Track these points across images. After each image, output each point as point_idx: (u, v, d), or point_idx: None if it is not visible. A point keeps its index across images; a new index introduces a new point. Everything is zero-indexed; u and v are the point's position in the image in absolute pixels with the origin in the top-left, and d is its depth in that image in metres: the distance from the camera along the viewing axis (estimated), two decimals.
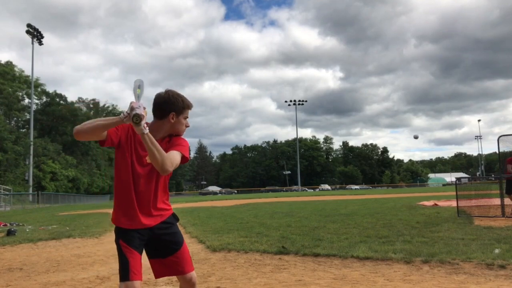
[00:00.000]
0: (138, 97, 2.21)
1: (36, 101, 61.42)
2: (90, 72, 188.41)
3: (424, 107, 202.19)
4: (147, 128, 2.14)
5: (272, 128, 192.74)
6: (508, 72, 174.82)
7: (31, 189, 45.09)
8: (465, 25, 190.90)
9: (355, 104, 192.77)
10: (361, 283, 4.16)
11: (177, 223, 2.62)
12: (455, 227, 7.76)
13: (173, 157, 2.27)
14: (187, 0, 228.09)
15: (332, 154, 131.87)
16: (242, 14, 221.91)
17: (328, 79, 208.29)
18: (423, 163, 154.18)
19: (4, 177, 41.75)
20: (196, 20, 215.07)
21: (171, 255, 2.49)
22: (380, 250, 5.53)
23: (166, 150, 2.30)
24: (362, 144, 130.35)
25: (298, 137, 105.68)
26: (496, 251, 5.12)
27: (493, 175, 15.38)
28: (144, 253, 2.48)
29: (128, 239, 2.37)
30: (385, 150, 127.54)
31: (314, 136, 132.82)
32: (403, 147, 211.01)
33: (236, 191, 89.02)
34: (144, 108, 2.14)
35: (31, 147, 48.08)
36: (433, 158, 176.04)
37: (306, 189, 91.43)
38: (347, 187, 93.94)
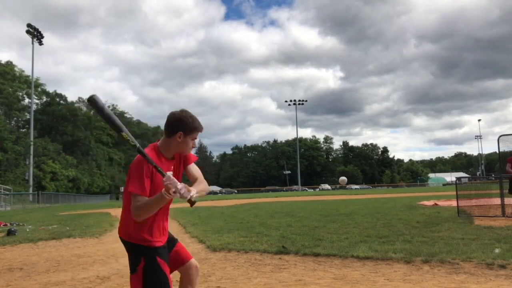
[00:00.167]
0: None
1: (36, 101, 61.53)
2: (90, 72, 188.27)
3: (424, 107, 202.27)
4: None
5: (272, 128, 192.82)
6: (508, 71, 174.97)
7: (31, 189, 45.11)
8: (465, 24, 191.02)
9: (355, 104, 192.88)
10: (361, 283, 4.16)
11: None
12: (455, 227, 7.76)
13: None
14: (187, 0, 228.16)
15: (332, 154, 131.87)
16: (242, 14, 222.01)
17: (328, 79, 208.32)
18: (423, 163, 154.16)
19: (5, 177, 41.77)
20: (196, 20, 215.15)
21: (174, 247, 2.60)
22: (380, 250, 5.53)
23: (179, 167, 2.52)
24: (362, 144, 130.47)
25: (298, 137, 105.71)
26: (496, 250, 5.12)
27: (493, 175, 15.39)
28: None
29: (164, 256, 2.42)
30: (385, 150, 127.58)
31: (314, 136, 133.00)
32: (403, 146, 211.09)
33: (236, 191, 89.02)
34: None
35: (31, 147, 48.10)
36: (433, 158, 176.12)
37: (306, 189, 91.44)
38: (347, 187, 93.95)
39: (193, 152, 2.62)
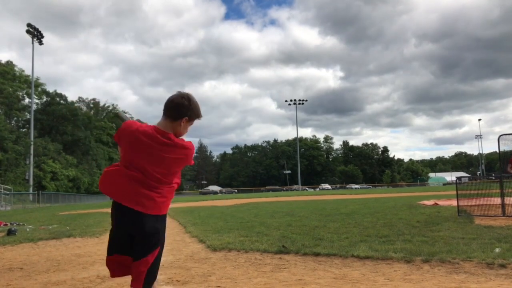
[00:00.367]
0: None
1: (37, 101, 61.58)
2: (90, 71, 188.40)
3: (425, 107, 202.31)
4: None
5: (272, 127, 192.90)
6: (509, 71, 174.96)
7: (31, 188, 45.12)
8: (465, 24, 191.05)
9: (355, 104, 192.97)
10: (361, 283, 4.16)
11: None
12: (456, 226, 7.76)
13: None
14: (188, 0, 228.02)
15: (333, 153, 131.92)
16: (242, 13, 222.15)
17: (328, 78, 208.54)
18: (423, 162, 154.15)
19: (5, 177, 41.78)
20: (196, 19, 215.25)
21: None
22: (381, 249, 5.53)
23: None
24: (363, 144, 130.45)
25: (299, 136, 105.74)
26: (497, 250, 5.12)
27: (493, 174, 15.38)
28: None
29: None
30: (385, 150, 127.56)
31: (315, 136, 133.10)
32: (403, 146, 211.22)
33: (236, 191, 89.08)
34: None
35: (32, 147, 48.12)
36: (434, 157, 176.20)
37: (307, 188, 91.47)
38: (348, 186, 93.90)
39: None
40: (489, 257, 4.70)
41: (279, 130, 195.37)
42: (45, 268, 5.58)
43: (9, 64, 56.86)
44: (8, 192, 34.01)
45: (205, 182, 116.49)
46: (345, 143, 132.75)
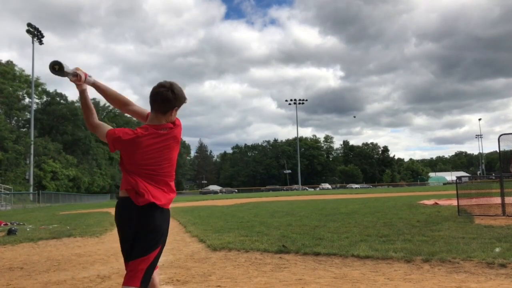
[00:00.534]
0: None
1: (37, 101, 61.54)
2: (91, 71, 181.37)
3: (425, 106, 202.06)
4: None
5: (272, 127, 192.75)
6: (509, 70, 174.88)
7: (31, 188, 45.13)
8: (465, 23, 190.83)
9: (355, 103, 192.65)
10: (361, 282, 4.16)
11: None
12: (456, 226, 7.76)
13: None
14: None
15: (333, 153, 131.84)
16: (242, 13, 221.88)
17: (328, 78, 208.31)
18: (423, 162, 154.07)
19: (5, 176, 41.80)
20: (196, 19, 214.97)
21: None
22: (381, 249, 5.53)
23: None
24: (363, 143, 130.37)
25: (299, 136, 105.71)
26: (497, 250, 5.12)
27: (493, 174, 15.38)
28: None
29: None
30: (385, 149, 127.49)
31: (315, 135, 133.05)
32: (403, 146, 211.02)
33: (236, 190, 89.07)
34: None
35: (32, 147, 48.12)
36: (434, 157, 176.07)
37: (307, 188, 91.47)
38: (348, 186, 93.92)
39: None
40: (489, 257, 4.71)
41: (279, 130, 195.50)
42: (45, 268, 5.59)
43: (9, 63, 56.82)
44: (8, 192, 34.03)
45: (205, 181, 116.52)
46: (345, 143, 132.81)
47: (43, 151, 51.53)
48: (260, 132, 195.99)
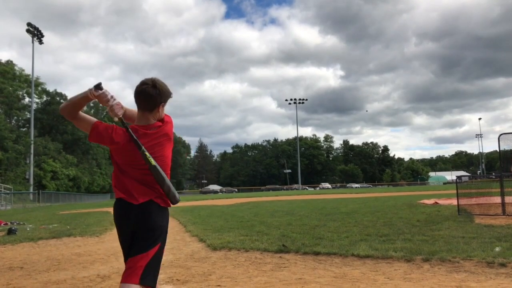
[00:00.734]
0: None
1: (37, 100, 61.51)
2: (91, 70, 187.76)
3: (425, 106, 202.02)
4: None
5: (272, 126, 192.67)
6: (509, 70, 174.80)
7: (31, 188, 45.14)
8: (466, 23, 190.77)
9: (355, 103, 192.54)
10: (361, 282, 4.16)
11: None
12: (456, 226, 7.76)
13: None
14: None
15: (333, 152, 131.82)
16: (242, 12, 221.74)
17: (328, 77, 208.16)
18: (423, 161, 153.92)
19: (5, 176, 41.81)
20: (196, 18, 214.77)
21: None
22: (381, 248, 5.53)
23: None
24: (363, 143, 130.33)
25: (299, 135, 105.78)
26: (497, 249, 5.12)
27: (493, 174, 15.39)
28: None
29: None
30: (385, 149, 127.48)
31: (315, 135, 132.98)
32: (403, 145, 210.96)
33: (236, 190, 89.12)
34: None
35: (32, 146, 48.13)
36: (434, 156, 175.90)
37: (307, 187, 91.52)
38: (348, 185, 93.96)
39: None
40: (489, 256, 4.71)
41: (279, 129, 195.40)
42: (46, 267, 5.59)
43: (9, 63, 56.80)
44: (8, 192, 34.04)
45: (205, 181, 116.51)
46: (345, 142, 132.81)
47: (43, 150, 51.54)
48: (260, 132, 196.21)
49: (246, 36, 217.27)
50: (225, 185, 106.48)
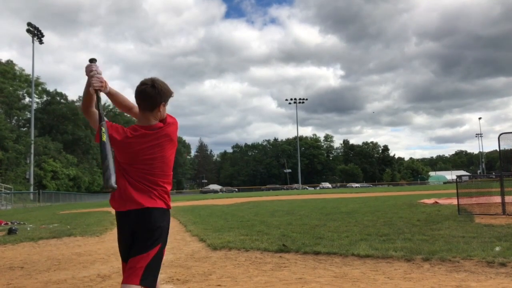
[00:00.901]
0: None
1: (37, 100, 61.54)
2: None
3: (425, 105, 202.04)
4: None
5: (272, 126, 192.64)
6: (510, 69, 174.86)
7: (32, 187, 45.16)
8: (466, 22, 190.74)
9: (355, 102, 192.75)
10: (361, 281, 4.16)
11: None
12: (456, 225, 7.76)
13: None
14: None
15: (333, 152, 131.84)
16: (242, 12, 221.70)
17: (329, 77, 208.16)
18: (423, 161, 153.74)
19: (5, 176, 41.84)
20: (196, 18, 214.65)
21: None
22: (381, 248, 5.53)
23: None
24: (363, 142, 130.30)
25: (299, 135, 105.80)
26: (497, 249, 5.12)
27: (494, 173, 15.38)
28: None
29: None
30: (385, 148, 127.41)
31: (315, 134, 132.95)
32: (404, 145, 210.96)
33: (236, 190, 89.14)
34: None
35: (32, 146, 48.16)
36: (434, 156, 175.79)
37: (307, 187, 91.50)
38: (348, 185, 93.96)
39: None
40: (489, 256, 4.71)
41: (280, 129, 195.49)
42: (46, 267, 5.59)
43: (10, 63, 56.82)
44: (8, 191, 34.04)
45: (206, 181, 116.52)
46: (346, 142, 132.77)
47: (43, 150, 51.56)
48: (260, 131, 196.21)
49: (246, 35, 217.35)
50: (225, 184, 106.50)
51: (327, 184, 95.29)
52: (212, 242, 6.76)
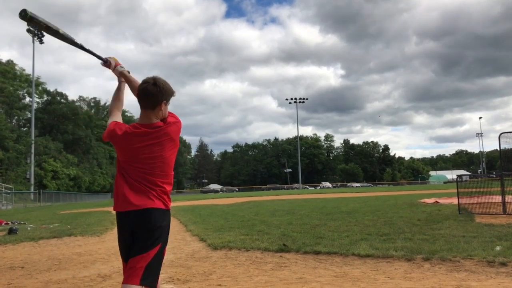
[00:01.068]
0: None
1: (37, 100, 61.50)
2: (91, 70, 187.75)
3: (425, 105, 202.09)
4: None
5: (273, 126, 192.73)
6: (510, 69, 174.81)
7: (32, 187, 45.15)
8: (466, 21, 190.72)
9: (356, 102, 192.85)
10: (362, 281, 4.16)
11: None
12: (456, 225, 7.76)
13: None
14: None
15: (333, 152, 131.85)
16: (243, 11, 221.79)
17: (329, 76, 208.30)
18: (424, 160, 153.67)
19: (6, 176, 41.83)
20: (197, 17, 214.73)
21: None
22: (381, 247, 5.53)
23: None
24: (363, 142, 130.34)
25: (299, 135, 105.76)
26: (497, 248, 5.12)
27: (494, 173, 15.38)
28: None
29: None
30: (386, 148, 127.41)
31: (315, 134, 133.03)
32: (404, 144, 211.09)
33: (237, 189, 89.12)
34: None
35: (32, 146, 48.14)
36: (434, 155, 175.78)
37: (307, 187, 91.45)
38: (348, 185, 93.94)
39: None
40: (490, 255, 4.71)
41: (280, 129, 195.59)
42: (46, 267, 5.60)
43: (10, 63, 56.80)
44: (9, 191, 34.05)
45: (206, 180, 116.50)
46: (346, 142, 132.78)
47: (43, 150, 51.55)
48: (260, 131, 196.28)
49: (246, 35, 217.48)
50: (225, 184, 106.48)
51: (328, 184, 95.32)
52: (212, 242, 6.76)
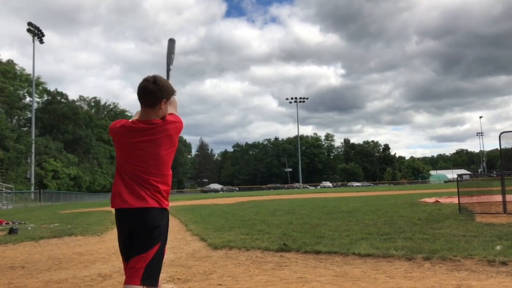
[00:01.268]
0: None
1: (38, 100, 61.52)
2: (91, 70, 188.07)
3: (426, 104, 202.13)
4: None
5: (273, 125, 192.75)
6: (511, 68, 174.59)
7: (33, 187, 45.17)
8: (467, 21, 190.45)
9: (356, 101, 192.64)
10: (362, 280, 4.16)
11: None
12: (457, 224, 7.76)
13: None
14: None
15: (334, 151, 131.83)
16: (243, 11, 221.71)
17: (329, 76, 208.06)
18: (424, 160, 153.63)
19: (6, 176, 41.85)
20: (197, 17, 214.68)
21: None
22: (382, 247, 5.53)
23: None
24: (364, 141, 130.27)
25: (300, 134, 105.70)
26: (498, 247, 5.12)
27: (494, 172, 15.38)
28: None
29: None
30: (386, 147, 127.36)
31: (316, 133, 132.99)
32: (404, 144, 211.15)
33: (237, 189, 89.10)
34: None
35: (33, 146, 48.17)
36: (435, 155, 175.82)
37: (308, 186, 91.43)
38: (349, 184, 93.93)
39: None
40: (490, 255, 4.71)
41: (280, 128, 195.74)
42: (47, 267, 5.60)
43: (10, 63, 56.85)
44: (9, 191, 34.07)
45: (206, 180, 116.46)
46: (346, 141, 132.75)
47: (44, 150, 51.57)
48: (261, 131, 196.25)
49: (246, 34, 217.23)
50: (226, 184, 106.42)
51: (328, 183, 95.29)
52: (212, 242, 6.76)
